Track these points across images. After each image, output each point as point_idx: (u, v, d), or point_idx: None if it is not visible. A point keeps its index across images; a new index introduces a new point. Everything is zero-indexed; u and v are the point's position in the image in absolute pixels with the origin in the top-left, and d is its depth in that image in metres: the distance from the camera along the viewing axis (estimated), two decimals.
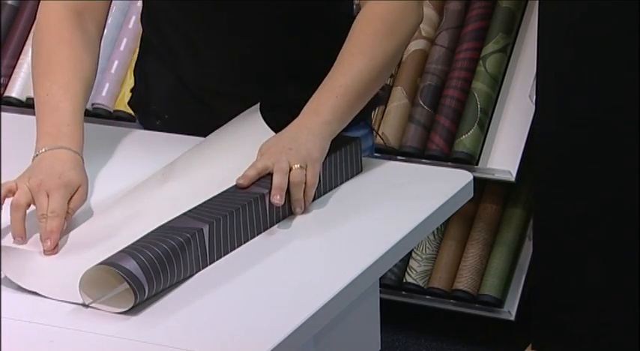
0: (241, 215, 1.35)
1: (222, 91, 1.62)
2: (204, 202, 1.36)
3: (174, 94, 1.67)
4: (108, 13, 1.62)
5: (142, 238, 1.28)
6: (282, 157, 1.40)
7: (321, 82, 1.49)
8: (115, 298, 1.23)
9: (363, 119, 1.66)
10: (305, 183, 1.41)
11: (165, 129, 1.68)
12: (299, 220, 1.42)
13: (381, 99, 1.82)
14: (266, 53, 1.61)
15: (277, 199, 1.37)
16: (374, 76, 1.49)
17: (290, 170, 1.40)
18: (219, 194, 1.38)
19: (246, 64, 1.61)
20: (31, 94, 2.82)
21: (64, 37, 1.55)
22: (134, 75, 1.74)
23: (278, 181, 1.38)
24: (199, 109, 1.65)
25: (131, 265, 1.22)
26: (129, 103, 1.76)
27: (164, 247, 1.26)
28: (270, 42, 1.60)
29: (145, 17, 1.68)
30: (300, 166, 1.40)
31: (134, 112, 1.76)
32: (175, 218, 1.32)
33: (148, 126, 1.71)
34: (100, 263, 1.24)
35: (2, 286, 1.28)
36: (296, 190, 1.40)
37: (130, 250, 1.25)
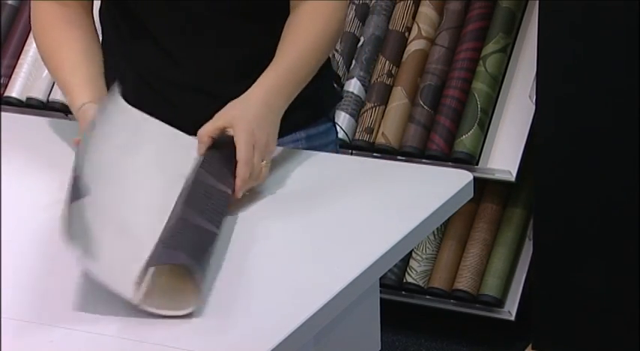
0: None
1: (184, 85, 1.64)
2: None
3: (137, 89, 1.67)
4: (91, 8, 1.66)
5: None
6: (259, 154, 1.44)
7: None
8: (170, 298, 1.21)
9: (324, 115, 1.72)
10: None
11: None
12: (298, 220, 1.43)
13: (339, 96, 1.91)
14: (225, 48, 1.63)
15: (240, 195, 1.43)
16: (305, 62, 1.58)
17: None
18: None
19: (207, 58, 1.63)
20: (31, 94, 2.83)
21: (63, 34, 1.61)
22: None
23: (245, 172, 1.43)
24: (161, 103, 1.65)
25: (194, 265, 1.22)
26: None
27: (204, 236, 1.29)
28: (229, 37, 1.63)
29: (105, 14, 1.71)
30: (266, 163, 1.47)
31: None
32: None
33: None
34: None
35: (2, 286, 1.28)
36: (251, 183, 1.45)
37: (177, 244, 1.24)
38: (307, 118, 1.69)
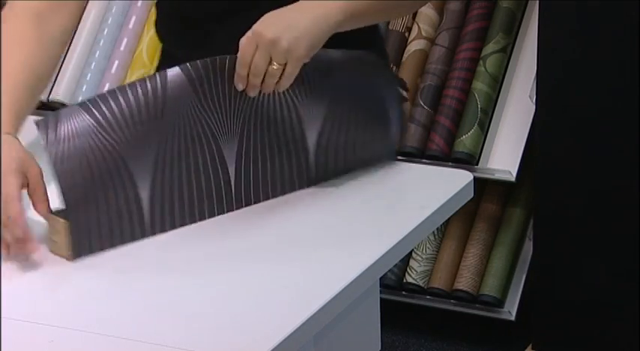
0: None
1: None
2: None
3: None
4: (80, 14, 1.60)
5: None
6: (263, 51, 1.38)
7: None
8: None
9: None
10: (280, 76, 1.40)
11: None
12: (299, 220, 1.42)
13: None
14: None
15: (239, 87, 1.39)
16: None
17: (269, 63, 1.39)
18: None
19: None
20: None
21: (18, 39, 1.54)
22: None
23: (240, 70, 1.39)
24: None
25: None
26: None
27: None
28: None
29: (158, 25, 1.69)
30: (278, 65, 1.39)
31: None
32: None
33: None
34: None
35: (2, 286, 1.28)
36: (265, 86, 1.40)
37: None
38: None
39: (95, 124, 1.33)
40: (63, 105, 2.76)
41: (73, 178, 1.33)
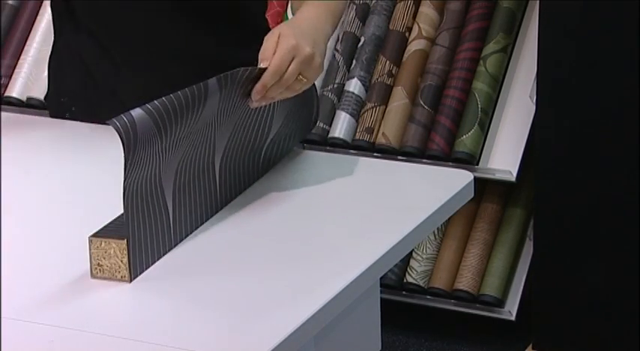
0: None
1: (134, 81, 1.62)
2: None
3: (82, 86, 1.67)
4: None
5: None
6: (300, 64, 1.38)
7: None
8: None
9: None
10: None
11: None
12: (299, 220, 1.42)
13: None
14: (178, 48, 1.62)
15: (256, 97, 1.38)
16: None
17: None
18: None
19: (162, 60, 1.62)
20: (32, 94, 2.83)
21: None
22: (47, 71, 1.74)
23: (270, 80, 1.38)
24: (107, 98, 1.65)
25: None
26: (44, 98, 1.77)
27: None
28: (182, 37, 1.61)
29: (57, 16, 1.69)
30: (306, 80, 1.40)
31: (47, 107, 1.77)
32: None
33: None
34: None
35: (2, 286, 1.27)
36: (278, 96, 1.40)
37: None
38: None
39: (156, 133, 1.27)
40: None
41: (132, 193, 1.27)
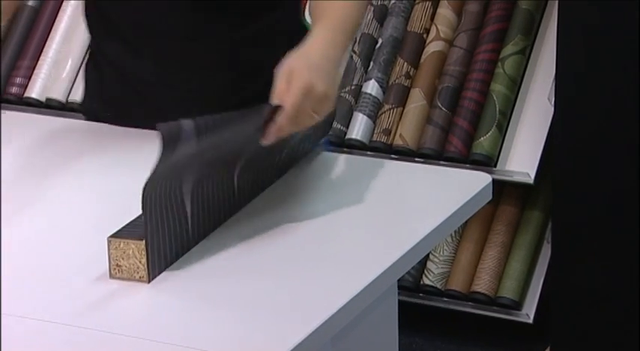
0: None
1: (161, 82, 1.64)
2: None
3: (117, 91, 1.69)
4: None
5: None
6: (313, 104, 1.37)
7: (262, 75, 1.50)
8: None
9: None
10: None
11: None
12: (315, 222, 1.42)
13: None
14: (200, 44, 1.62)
15: (271, 138, 1.37)
16: (355, 10, 1.53)
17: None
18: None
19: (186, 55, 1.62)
20: (51, 95, 2.84)
21: None
22: (84, 75, 1.77)
23: (287, 123, 1.37)
24: (138, 103, 1.66)
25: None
26: (80, 103, 1.80)
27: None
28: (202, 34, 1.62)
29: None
30: (317, 115, 1.40)
31: (83, 112, 1.80)
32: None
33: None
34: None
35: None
36: (295, 130, 1.40)
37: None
38: None
39: (194, 145, 1.28)
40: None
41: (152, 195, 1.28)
